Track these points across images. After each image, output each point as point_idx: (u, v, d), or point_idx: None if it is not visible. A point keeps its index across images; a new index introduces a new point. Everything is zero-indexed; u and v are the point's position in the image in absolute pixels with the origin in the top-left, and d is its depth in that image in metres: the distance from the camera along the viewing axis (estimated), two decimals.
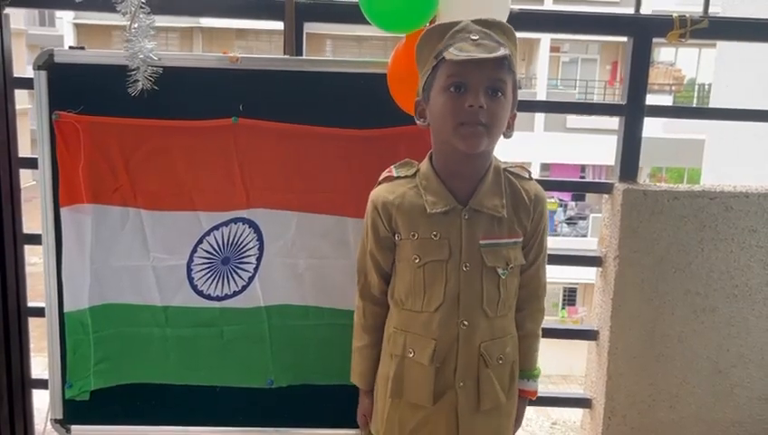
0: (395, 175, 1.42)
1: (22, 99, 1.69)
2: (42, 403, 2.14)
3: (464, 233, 1.35)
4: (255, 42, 16.34)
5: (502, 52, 1.25)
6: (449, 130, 1.30)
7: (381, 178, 1.45)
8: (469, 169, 1.36)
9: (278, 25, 1.85)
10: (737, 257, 2.03)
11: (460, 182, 1.36)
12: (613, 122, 2.16)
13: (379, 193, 1.42)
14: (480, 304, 1.36)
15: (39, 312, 1.91)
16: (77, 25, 16.29)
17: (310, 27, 1.94)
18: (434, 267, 1.36)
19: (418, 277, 1.37)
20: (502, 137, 1.35)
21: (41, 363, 2.05)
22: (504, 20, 1.53)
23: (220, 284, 1.78)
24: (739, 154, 4.43)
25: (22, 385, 2.05)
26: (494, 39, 1.28)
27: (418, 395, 1.39)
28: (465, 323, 1.36)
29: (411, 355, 1.38)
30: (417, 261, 1.36)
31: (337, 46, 16.35)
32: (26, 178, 1.76)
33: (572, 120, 15.32)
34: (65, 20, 16.52)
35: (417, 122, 1.39)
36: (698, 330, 2.06)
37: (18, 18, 14.08)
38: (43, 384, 1.92)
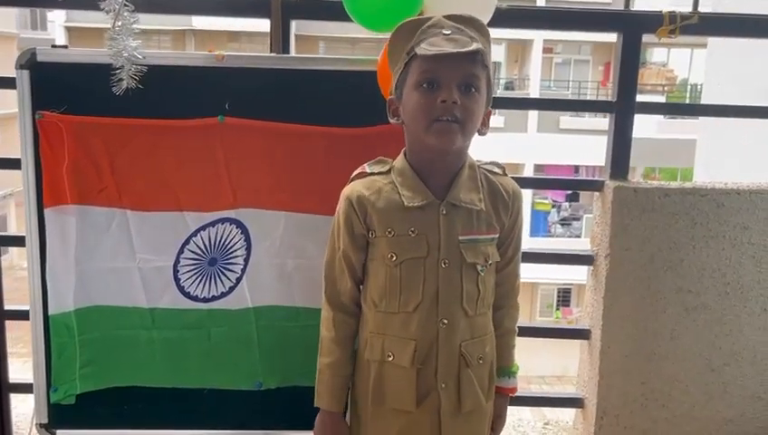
0: (368, 172, 1.40)
1: (13, 101, 1.67)
2: (27, 408, 2.12)
3: (442, 228, 1.33)
4: (249, 44, 16.30)
5: (474, 46, 1.24)
6: (422, 127, 1.28)
7: (354, 175, 1.43)
8: (444, 165, 1.35)
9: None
10: (729, 255, 2.02)
11: (436, 178, 1.35)
12: (606, 123, 2.15)
13: (353, 188, 1.39)
14: (460, 301, 1.35)
15: (23, 315, 1.88)
16: (68, 28, 16.24)
17: (301, 28, 1.92)
18: (411, 265, 1.33)
19: (394, 277, 1.34)
20: (477, 135, 1.35)
21: (27, 368, 2.02)
22: (490, 16, 1.53)
23: (207, 285, 1.76)
24: (731, 153, 4.43)
25: None
26: (466, 34, 1.27)
27: (401, 400, 1.35)
28: (445, 321, 1.34)
29: (390, 359, 1.35)
30: (393, 259, 1.34)
31: (330, 48, 16.33)
32: (20, 181, 1.73)
33: (566, 120, 15.34)
34: (57, 23, 16.48)
35: (391, 121, 1.38)
36: (690, 328, 2.05)
37: (9, 21, 14.04)
38: (27, 388, 1.89)
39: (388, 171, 1.39)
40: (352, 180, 1.42)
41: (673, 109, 13.45)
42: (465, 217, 1.35)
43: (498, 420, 1.52)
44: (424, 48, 1.24)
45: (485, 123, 1.35)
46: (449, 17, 1.29)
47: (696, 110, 4.96)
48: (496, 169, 1.43)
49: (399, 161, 1.39)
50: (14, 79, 1.70)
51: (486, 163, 1.43)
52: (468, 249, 1.34)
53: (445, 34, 1.25)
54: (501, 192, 1.40)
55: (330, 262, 1.44)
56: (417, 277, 1.33)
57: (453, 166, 1.35)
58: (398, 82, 1.33)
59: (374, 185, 1.37)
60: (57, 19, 16.14)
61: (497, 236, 1.40)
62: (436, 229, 1.33)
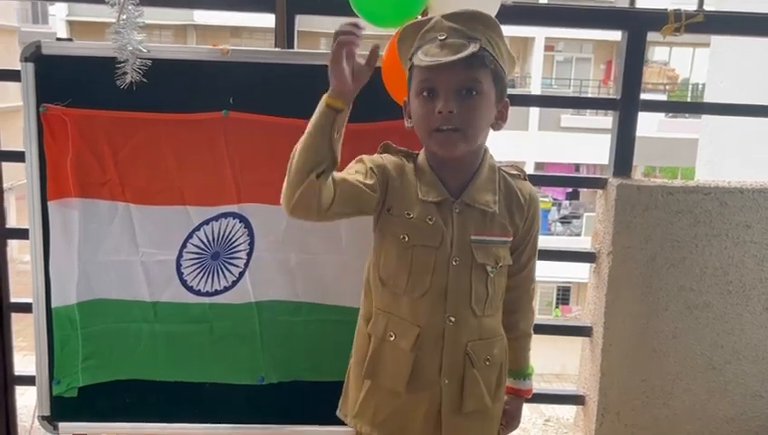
0: (394, 146, 1.40)
1: (17, 95, 1.67)
2: (27, 400, 2.12)
3: (455, 227, 1.33)
4: (250, 39, 16.29)
5: (470, 50, 1.22)
6: (425, 135, 1.29)
7: (382, 145, 1.41)
8: (459, 165, 1.35)
9: (272, 23, 1.83)
10: (731, 253, 2.02)
11: (453, 176, 1.35)
12: (607, 121, 2.15)
13: (385, 158, 1.37)
14: (468, 301, 1.34)
15: (26, 307, 1.88)
16: (70, 22, 16.23)
17: (303, 24, 1.92)
18: (422, 252, 1.32)
19: (405, 259, 1.33)
20: (491, 130, 1.34)
21: (27, 361, 2.03)
22: (495, 13, 1.52)
23: (210, 279, 1.76)
24: (733, 152, 4.43)
25: (4, 382, 2.03)
26: (463, 35, 1.24)
27: (393, 379, 1.34)
28: (452, 319, 1.33)
29: (392, 339, 1.34)
30: (405, 240, 1.32)
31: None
32: (21, 174, 1.74)
33: (567, 119, 15.34)
34: (58, 17, 16.46)
35: (406, 123, 1.38)
36: (692, 326, 2.05)
37: (11, 15, 14.00)
38: (30, 381, 1.90)
39: (414, 158, 1.39)
40: (381, 151, 1.41)
41: (677, 107, 13.37)
42: (478, 217, 1.34)
43: (512, 420, 1.52)
44: (419, 58, 1.25)
45: (502, 116, 1.34)
46: (449, 16, 1.27)
47: (700, 108, 4.93)
48: (516, 172, 1.43)
49: (421, 157, 1.39)
50: (16, 71, 1.70)
51: (507, 165, 1.42)
52: (479, 249, 1.34)
53: (440, 40, 1.24)
54: (517, 196, 1.39)
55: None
56: (427, 267, 1.32)
57: (469, 165, 1.35)
58: (408, 86, 1.34)
59: (400, 164, 1.37)
60: (59, 13, 16.12)
61: (510, 239, 1.39)
62: (450, 227, 1.33)
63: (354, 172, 1.33)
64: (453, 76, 1.24)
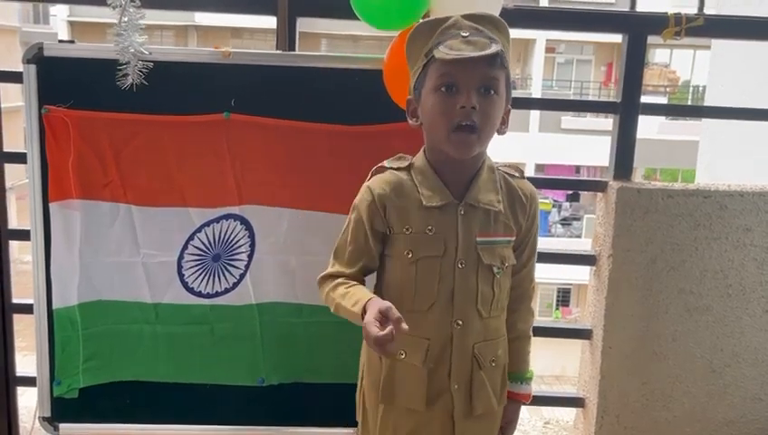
0: (387, 166, 1.39)
1: (16, 96, 1.68)
2: (27, 401, 2.12)
3: (460, 229, 1.33)
4: (251, 40, 16.31)
5: (494, 48, 1.22)
6: (441, 134, 1.28)
7: (374, 169, 1.41)
8: (463, 165, 1.34)
9: (273, 24, 1.83)
10: (731, 256, 2.02)
11: (455, 178, 1.34)
12: (608, 123, 2.15)
13: (374, 184, 1.36)
14: (474, 303, 1.34)
15: (28, 308, 1.88)
16: (71, 23, 16.23)
17: (304, 25, 1.92)
18: (427, 264, 1.32)
19: (411, 274, 1.33)
20: (495, 134, 1.34)
21: (26, 361, 2.03)
22: (497, 15, 1.52)
23: (211, 281, 1.77)
24: (733, 155, 4.43)
25: (6, 383, 2.03)
26: (485, 35, 1.25)
27: (411, 399, 1.34)
28: (460, 322, 1.33)
29: (402, 357, 1.34)
30: (409, 256, 1.32)
31: (332, 46, 16.30)
32: (21, 175, 1.75)
33: (567, 121, 15.33)
34: (59, 17, 16.47)
35: (410, 122, 1.37)
36: (692, 329, 2.06)
37: (12, 15, 14.03)
38: (30, 382, 1.90)
39: (408, 168, 1.37)
40: (373, 175, 1.40)
41: (677, 110, 13.39)
42: (482, 218, 1.34)
43: (509, 425, 1.51)
44: (442, 51, 1.23)
45: (505, 122, 1.34)
46: (467, 17, 1.27)
47: (700, 111, 4.94)
48: (514, 172, 1.43)
49: (419, 159, 1.38)
50: (18, 73, 1.71)
51: (504, 166, 1.42)
52: (485, 251, 1.34)
53: (463, 36, 1.24)
54: (519, 195, 1.40)
55: (341, 246, 1.41)
56: (433, 276, 1.32)
57: (472, 166, 1.35)
58: (416, 83, 1.32)
59: (394, 180, 1.36)
60: (60, 13, 16.13)
61: (514, 238, 1.39)
62: (454, 230, 1.32)
63: (356, 249, 1.37)
64: (476, 72, 1.24)
